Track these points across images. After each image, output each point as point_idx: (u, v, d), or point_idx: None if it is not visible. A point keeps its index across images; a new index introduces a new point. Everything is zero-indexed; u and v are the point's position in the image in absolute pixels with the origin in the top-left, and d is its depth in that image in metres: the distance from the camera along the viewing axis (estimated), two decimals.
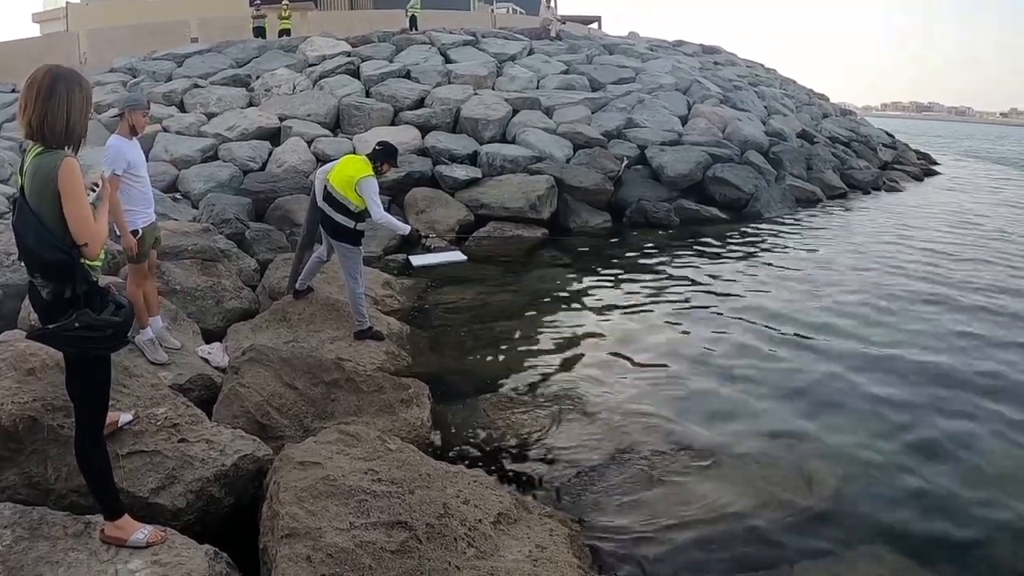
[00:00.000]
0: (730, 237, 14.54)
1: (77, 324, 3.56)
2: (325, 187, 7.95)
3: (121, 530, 3.89)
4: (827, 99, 37.29)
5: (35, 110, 3.50)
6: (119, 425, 4.65)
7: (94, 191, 3.75)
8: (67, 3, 40.63)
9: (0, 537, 3.86)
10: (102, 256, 3.77)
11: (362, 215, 7.85)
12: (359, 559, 3.90)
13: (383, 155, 8.04)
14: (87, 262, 3.63)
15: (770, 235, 14.98)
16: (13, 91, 21.69)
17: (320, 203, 8.02)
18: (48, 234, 3.52)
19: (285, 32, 28.99)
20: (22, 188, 3.60)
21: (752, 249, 13.50)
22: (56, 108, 3.52)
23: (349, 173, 7.79)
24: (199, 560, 3.85)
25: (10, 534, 3.89)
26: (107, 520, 3.92)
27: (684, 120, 21.50)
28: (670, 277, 11.51)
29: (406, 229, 8.35)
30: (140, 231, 6.37)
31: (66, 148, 3.61)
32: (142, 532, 3.90)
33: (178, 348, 6.84)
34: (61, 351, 3.87)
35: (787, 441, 6.34)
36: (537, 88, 22.09)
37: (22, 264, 3.74)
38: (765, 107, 25.87)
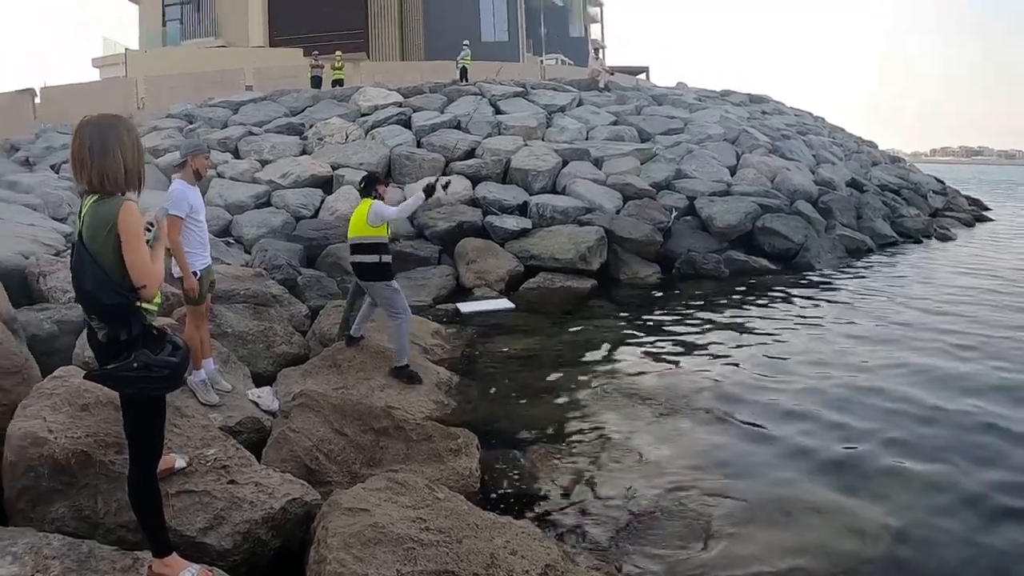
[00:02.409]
0: (780, 289, 14.32)
1: (136, 364, 3.60)
2: (350, 244, 8.24)
3: (169, 568, 3.89)
4: (875, 146, 36.87)
5: (94, 167, 3.60)
6: (174, 470, 4.68)
7: (149, 230, 3.81)
8: (126, 49, 41.87)
9: (48, 568, 3.90)
10: (158, 298, 3.83)
11: (382, 246, 8.05)
12: None
13: (370, 183, 8.42)
14: (144, 304, 3.70)
15: (821, 287, 14.73)
16: None
17: (351, 258, 8.28)
18: (106, 278, 3.59)
19: (338, 82, 29.52)
20: (80, 232, 3.68)
21: (803, 301, 13.27)
22: (111, 160, 3.61)
23: (359, 217, 8.13)
24: None
25: (58, 565, 3.92)
26: (155, 557, 3.93)
27: (733, 170, 21.41)
28: (720, 329, 11.37)
29: (421, 196, 8.33)
30: (199, 273, 6.47)
31: (126, 192, 3.70)
32: (189, 571, 3.91)
33: (229, 391, 6.89)
34: (118, 392, 3.91)
35: (841, 495, 6.15)
36: (586, 139, 22.20)
37: (78, 304, 3.80)
38: (814, 156, 25.66)
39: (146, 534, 3.95)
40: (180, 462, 4.76)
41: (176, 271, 6.39)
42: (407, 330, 8.16)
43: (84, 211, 3.68)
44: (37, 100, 33.47)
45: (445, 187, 8.84)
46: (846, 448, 7.08)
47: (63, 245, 10.81)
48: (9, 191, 14.21)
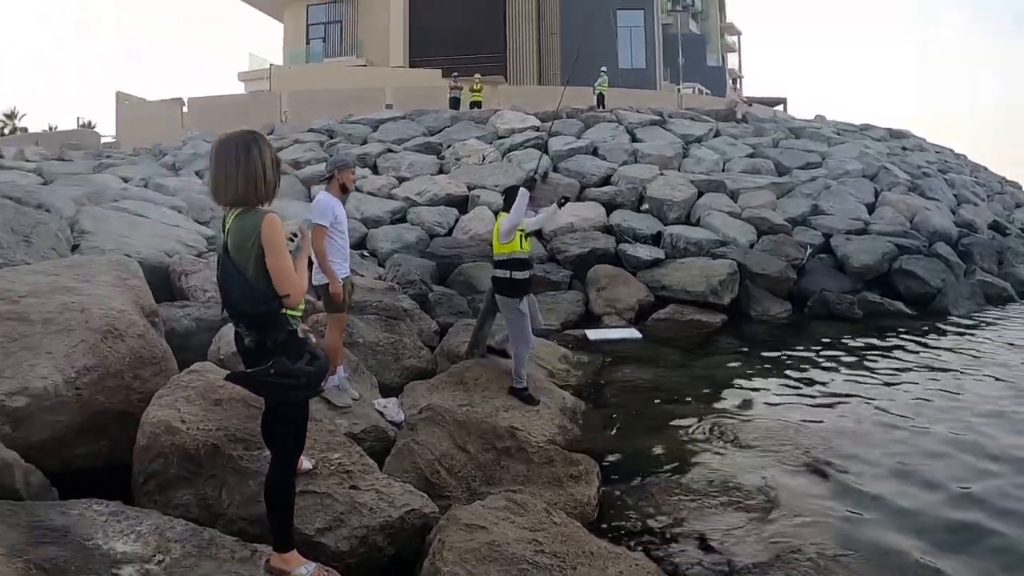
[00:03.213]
0: (916, 335, 13.55)
1: (272, 371, 3.71)
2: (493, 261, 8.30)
3: (287, 563, 3.98)
4: (1020, 187, 34.71)
5: (239, 179, 3.74)
6: (301, 471, 4.75)
7: (292, 240, 3.90)
8: (271, 65, 43.45)
9: (170, 550, 4.05)
10: (302, 306, 3.96)
11: (509, 262, 8.03)
12: None
13: (509, 197, 8.33)
14: (288, 312, 3.81)
15: (960, 335, 13.85)
16: None
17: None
18: (251, 288, 3.73)
19: (476, 104, 29.91)
20: (225, 245, 3.82)
21: (940, 350, 12.50)
22: (253, 172, 3.75)
23: (494, 234, 8.22)
24: None
25: (179, 548, 4.07)
26: (276, 551, 4.02)
27: (871, 208, 20.56)
28: (851, 373, 10.86)
29: (527, 195, 8.12)
30: (342, 281, 6.62)
31: (265, 204, 3.84)
32: (306, 568, 3.99)
33: (357, 399, 6.98)
34: (258, 394, 4.06)
35: (966, 554, 5.79)
36: (723, 170, 21.83)
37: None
38: (955, 196, 24.36)
39: (273, 528, 4.03)
40: (307, 464, 4.86)
41: (317, 279, 6.55)
42: (525, 356, 8.10)
43: (228, 224, 3.83)
44: (185, 109, 35.21)
45: (562, 204, 8.70)
46: (983, 505, 6.64)
47: (205, 247, 11.25)
48: (157, 193, 14.86)
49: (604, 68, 30.70)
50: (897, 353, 12.17)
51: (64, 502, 4.46)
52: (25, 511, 4.17)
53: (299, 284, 3.84)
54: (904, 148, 29.95)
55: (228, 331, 7.10)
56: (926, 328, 14.15)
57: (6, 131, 71.08)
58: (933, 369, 11.15)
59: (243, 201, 3.79)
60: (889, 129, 32.92)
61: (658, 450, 7.78)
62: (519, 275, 8.05)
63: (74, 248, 9.10)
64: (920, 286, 16.44)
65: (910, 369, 11.15)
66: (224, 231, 3.86)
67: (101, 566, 3.84)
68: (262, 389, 3.88)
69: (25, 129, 66.76)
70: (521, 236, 8.10)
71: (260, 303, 3.72)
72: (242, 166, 3.73)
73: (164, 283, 8.87)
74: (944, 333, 13.85)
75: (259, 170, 3.76)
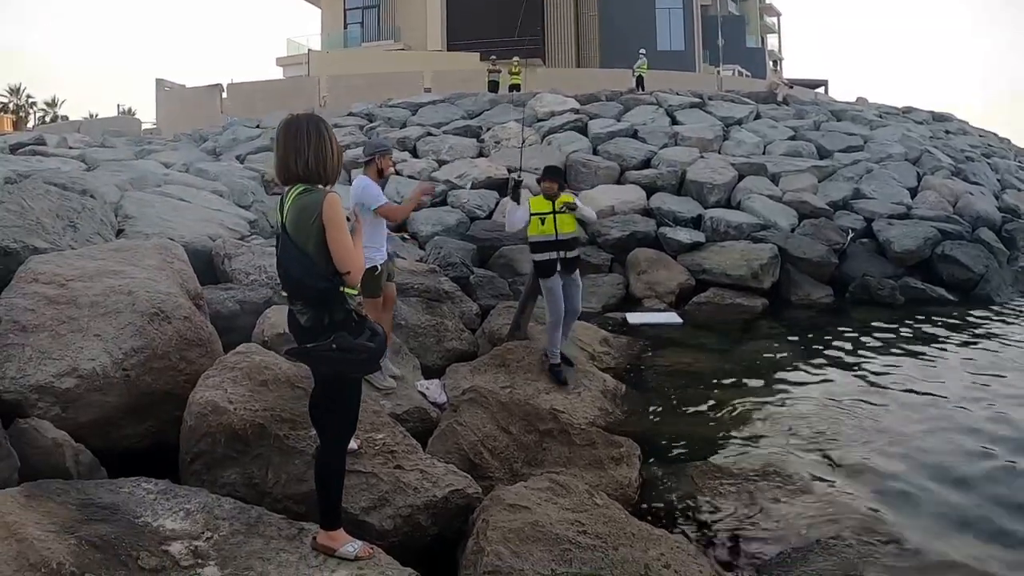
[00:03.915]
0: (958, 321, 13.27)
1: (334, 346, 3.76)
2: None
3: (333, 540, 4.02)
4: None
5: (310, 155, 3.81)
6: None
7: (347, 221, 3.95)
8: (308, 50, 43.66)
9: (218, 527, 4.12)
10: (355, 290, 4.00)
11: (539, 244, 8.26)
12: None
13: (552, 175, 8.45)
14: (347, 290, 3.86)
15: (1003, 322, 13.47)
16: (257, 127, 23.47)
17: None
18: (312, 264, 3.77)
19: (515, 87, 29.81)
20: (283, 225, 3.89)
21: (982, 338, 12.19)
22: (323, 151, 3.84)
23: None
24: None
25: (227, 526, 4.13)
26: (323, 529, 4.07)
27: (913, 192, 20.15)
28: (893, 360, 10.66)
29: (509, 204, 8.57)
30: (379, 267, 6.64)
31: (326, 185, 3.91)
32: (352, 545, 4.03)
33: (398, 376, 7.02)
34: (315, 370, 4.09)
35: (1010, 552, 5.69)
36: (763, 153, 21.57)
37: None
38: (998, 180, 23.92)
39: (321, 507, 4.08)
40: (353, 444, 4.88)
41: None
42: (554, 334, 8.11)
43: (288, 203, 3.88)
44: (224, 95, 35.49)
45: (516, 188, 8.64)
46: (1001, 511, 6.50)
47: (247, 230, 11.34)
48: (198, 178, 15.00)
49: (643, 51, 30.50)
50: (939, 340, 11.96)
51: (113, 480, 4.53)
52: (75, 489, 4.24)
53: (359, 262, 3.91)
54: (947, 132, 29.35)
55: (273, 312, 7.17)
56: (968, 315, 13.83)
57: (47, 119, 72.21)
58: (975, 357, 10.94)
59: (310, 178, 3.85)
60: (932, 112, 32.30)
61: (698, 434, 7.77)
62: (540, 257, 8.20)
63: (119, 233, 9.19)
64: (963, 272, 16.06)
65: (952, 356, 10.94)
66: (282, 211, 3.92)
67: (151, 543, 3.90)
68: (322, 364, 3.91)
69: (66, 117, 67.87)
70: (539, 219, 8.22)
71: (320, 279, 3.77)
72: (313, 144, 3.82)
73: (207, 266, 8.94)
74: (987, 320, 13.55)
75: (328, 150, 3.86)
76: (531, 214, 8.21)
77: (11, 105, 77.41)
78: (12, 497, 3.97)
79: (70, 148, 19.61)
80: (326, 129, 3.90)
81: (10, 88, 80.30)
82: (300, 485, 4.64)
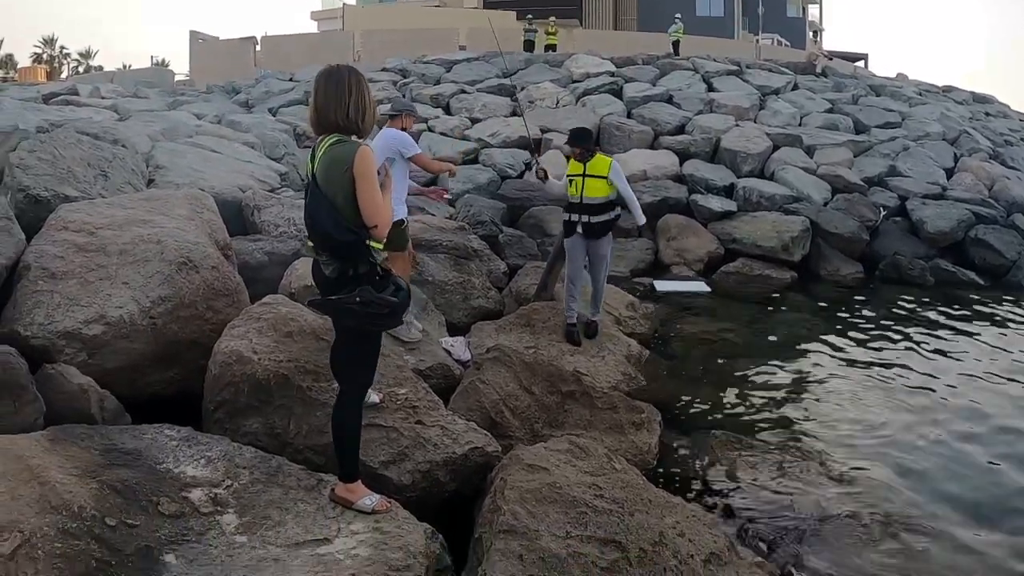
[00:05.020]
0: (987, 306, 13.05)
1: (358, 299, 3.75)
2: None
3: (352, 492, 4.05)
4: None
5: (351, 108, 3.81)
6: (367, 404, 4.81)
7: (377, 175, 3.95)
8: (344, 4, 43.41)
9: (238, 476, 4.16)
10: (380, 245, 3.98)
11: (567, 205, 8.20)
12: (569, 568, 3.86)
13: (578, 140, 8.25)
14: (372, 244, 3.84)
15: None
16: (291, 80, 23.50)
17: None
18: (340, 216, 3.76)
19: (551, 47, 29.62)
20: (313, 175, 3.87)
21: (1011, 324, 11.97)
22: (363, 103, 3.85)
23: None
24: (417, 536, 3.91)
25: (248, 475, 4.18)
26: (341, 481, 4.09)
27: (949, 173, 19.75)
28: (920, 340, 10.55)
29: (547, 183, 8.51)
30: (405, 220, 6.65)
31: (361, 138, 3.91)
32: (370, 499, 4.04)
33: (425, 333, 7.04)
34: (338, 322, 4.10)
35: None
36: (799, 125, 21.24)
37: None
38: None
39: (340, 459, 4.09)
40: (374, 397, 4.91)
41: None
42: (568, 290, 8.15)
43: (320, 152, 3.86)
44: (258, 48, 35.45)
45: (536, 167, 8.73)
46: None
47: (278, 183, 11.34)
48: (230, 129, 15.01)
49: (679, 15, 30.15)
50: (967, 323, 11.77)
51: (137, 427, 4.59)
52: (99, 434, 4.30)
53: (387, 216, 3.90)
54: (987, 114, 28.70)
55: (300, 264, 7.18)
56: (998, 300, 13.57)
57: (81, 69, 72.46)
58: (1005, 344, 10.78)
59: (349, 129, 3.85)
60: (973, 93, 31.61)
61: (720, 404, 7.76)
62: (565, 216, 8.21)
63: (149, 183, 9.21)
64: (995, 257, 15.76)
65: (981, 341, 10.78)
66: (313, 161, 3.91)
67: (171, 488, 3.95)
68: (345, 316, 3.91)
69: (100, 68, 68.06)
70: (570, 181, 8.10)
71: (348, 232, 3.76)
72: (354, 95, 3.82)
73: (237, 217, 8.95)
74: (1017, 306, 13.36)
75: (366, 102, 3.87)
76: (567, 176, 8.12)
77: (45, 56, 77.83)
78: (36, 441, 4.02)
79: (103, 98, 19.63)
80: (366, 83, 3.91)
81: (44, 39, 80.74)
82: (321, 436, 4.65)
